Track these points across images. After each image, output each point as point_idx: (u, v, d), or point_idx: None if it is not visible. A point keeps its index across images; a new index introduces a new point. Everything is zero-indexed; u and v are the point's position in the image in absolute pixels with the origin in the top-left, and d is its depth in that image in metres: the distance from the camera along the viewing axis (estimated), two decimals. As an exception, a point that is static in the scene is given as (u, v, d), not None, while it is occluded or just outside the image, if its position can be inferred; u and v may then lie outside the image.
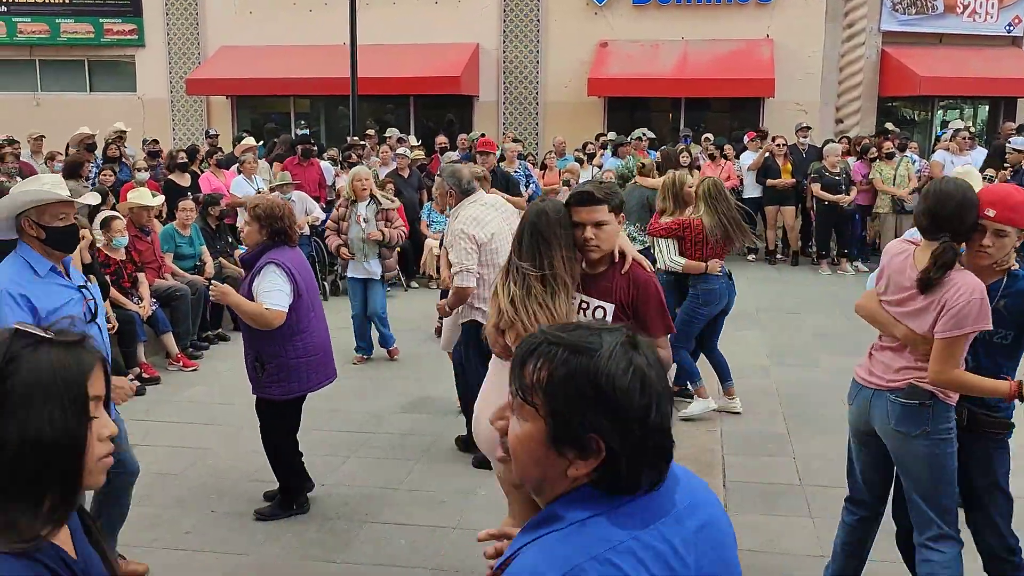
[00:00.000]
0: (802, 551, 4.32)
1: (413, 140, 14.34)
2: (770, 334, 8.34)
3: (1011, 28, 16.83)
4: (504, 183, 8.50)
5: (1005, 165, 10.81)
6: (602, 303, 3.35)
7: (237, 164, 10.90)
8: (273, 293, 4.33)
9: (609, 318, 3.27)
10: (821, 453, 5.55)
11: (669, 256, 6.06)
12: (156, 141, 13.29)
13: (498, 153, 13.44)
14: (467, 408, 5.34)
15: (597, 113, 16.94)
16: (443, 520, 4.64)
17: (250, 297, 4.39)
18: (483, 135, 14.25)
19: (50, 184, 3.53)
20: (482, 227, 5.18)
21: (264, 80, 16.74)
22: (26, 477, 1.41)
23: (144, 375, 7.03)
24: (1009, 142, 11.49)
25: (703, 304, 6.02)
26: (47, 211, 3.42)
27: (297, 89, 17.24)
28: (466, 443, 5.39)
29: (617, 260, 3.38)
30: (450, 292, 5.22)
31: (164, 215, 9.22)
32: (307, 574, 4.09)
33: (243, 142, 12.21)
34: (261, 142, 13.74)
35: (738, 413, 6.13)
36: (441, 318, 6.21)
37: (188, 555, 4.28)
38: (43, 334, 1.45)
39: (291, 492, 4.70)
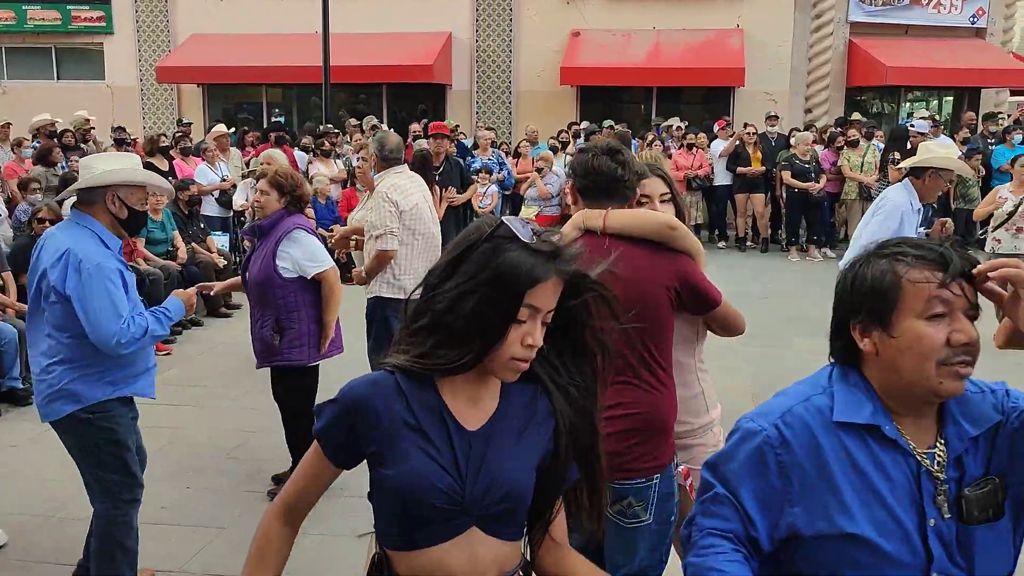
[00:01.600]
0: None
1: (386, 129, 14.34)
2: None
3: (975, 20, 17.13)
4: (460, 172, 8.41)
5: (908, 147, 10.97)
6: None
7: (202, 152, 10.88)
8: (320, 253, 4.50)
9: None
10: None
11: None
12: (123, 128, 13.19)
13: (470, 141, 13.59)
14: None
15: (570, 102, 17.03)
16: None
17: (270, 264, 4.41)
18: (458, 125, 14.37)
19: (135, 165, 3.56)
20: (405, 196, 5.25)
21: (235, 68, 16.64)
22: (459, 335, 1.61)
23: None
24: (912, 126, 11.81)
25: None
26: (138, 193, 3.45)
27: (269, 77, 17.15)
28: None
29: None
30: (368, 258, 5.27)
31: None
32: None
33: (214, 129, 12.16)
34: (232, 129, 13.68)
35: None
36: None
37: (165, 530, 4.31)
38: (521, 234, 1.60)
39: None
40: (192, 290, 3.82)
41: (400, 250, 5.23)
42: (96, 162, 3.47)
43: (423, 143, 12.63)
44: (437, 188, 7.09)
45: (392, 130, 10.00)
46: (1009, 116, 15.25)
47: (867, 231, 5.24)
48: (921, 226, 5.38)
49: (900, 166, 5.57)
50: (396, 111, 17.96)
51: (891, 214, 5.10)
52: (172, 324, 3.50)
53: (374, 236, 5.19)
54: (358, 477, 4.25)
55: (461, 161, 12.14)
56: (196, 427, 5.71)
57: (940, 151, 5.28)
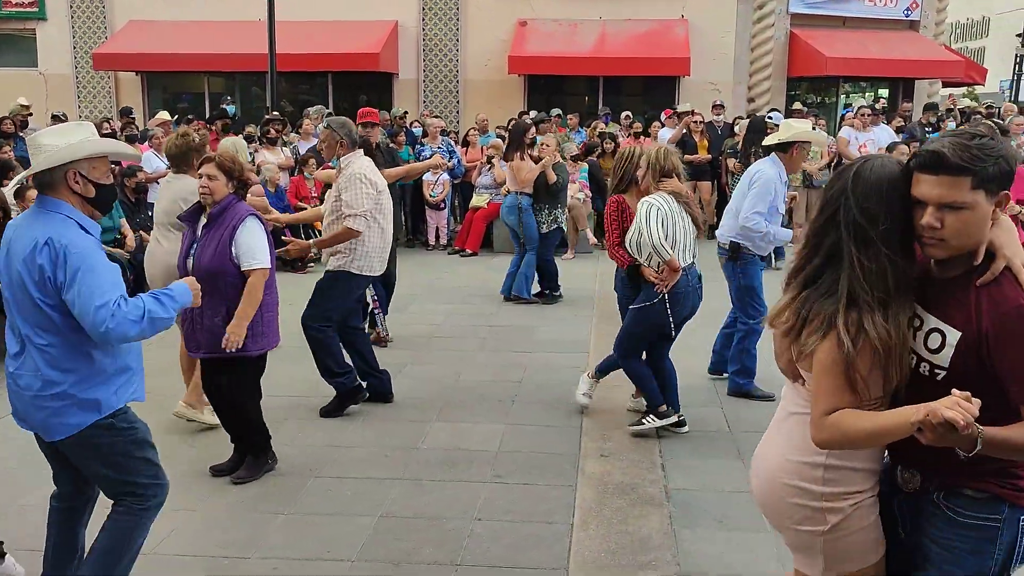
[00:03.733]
0: (734, 488, 4.53)
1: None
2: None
3: (909, 12, 17.64)
4: (390, 160, 8.05)
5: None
6: (941, 326, 2.13)
7: (148, 139, 10.66)
8: (262, 249, 4.36)
9: (949, 351, 2.11)
10: (745, 404, 5.83)
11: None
12: (64, 116, 12.83)
13: (419, 130, 13.53)
14: (330, 360, 5.51)
15: (517, 91, 17.07)
16: (387, 472, 4.70)
17: (225, 252, 4.30)
18: (405, 112, 14.28)
19: (92, 134, 3.12)
20: (378, 178, 5.46)
21: (176, 56, 16.29)
22: None
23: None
24: (770, 118, 12.20)
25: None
26: (100, 165, 3.07)
27: (211, 65, 16.82)
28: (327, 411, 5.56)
29: (979, 262, 2.12)
30: (325, 232, 5.32)
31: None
32: (254, 525, 4.10)
33: (157, 116, 11.92)
34: (175, 117, 13.41)
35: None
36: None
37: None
38: None
39: (262, 449, 4.69)
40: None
41: (373, 229, 5.38)
42: (46, 138, 3.01)
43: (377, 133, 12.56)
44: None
45: (383, 136, 9.96)
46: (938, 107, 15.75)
47: (746, 203, 5.70)
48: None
49: (766, 143, 6.13)
50: (342, 100, 17.77)
51: (766, 186, 5.67)
52: (173, 314, 3.12)
53: (346, 215, 5.22)
54: (327, 460, 4.25)
55: (394, 148, 12.09)
56: (155, 414, 5.60)
57: (800, 127, 5.96)
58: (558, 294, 8.97)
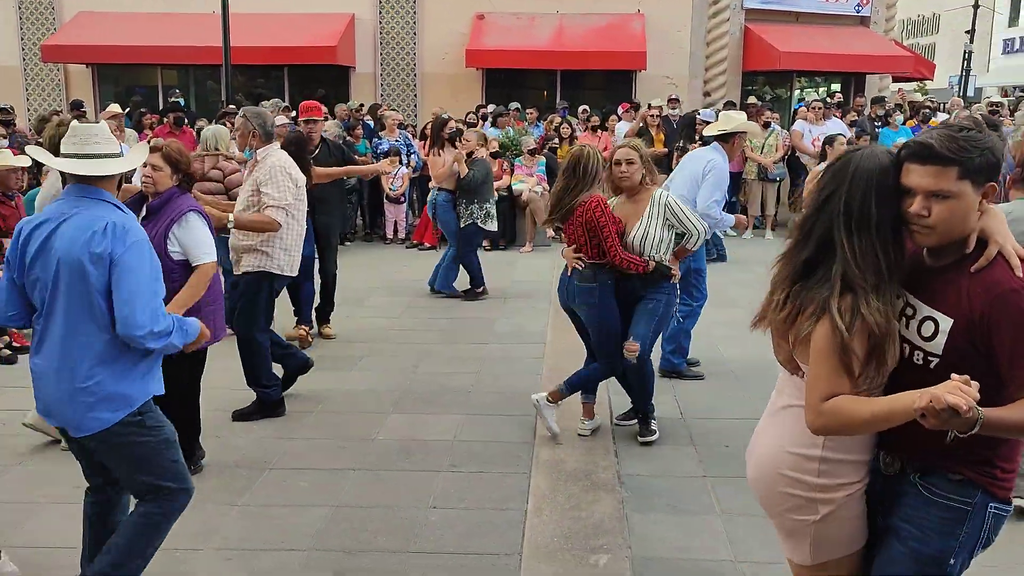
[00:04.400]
0: (686, 474, 4.61)
1: (292, 112, 14.07)
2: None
3: (859, 8, 17.93)
4: (340, 155, 7.77)
5: (696, 138, 11.39)
6: (935, 313, 2.18)
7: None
8: (209, 243, 4.26)
9: (941, 338, 2.16)
10: (702, 390, 5.93)
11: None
12: (11, 109, 12.54)
13: (373, 124, 13.47)
14: (260, 370, 5.33)
15: (475, 84, 17.05)
16: (343, 463, 4.71)
17: (161, 245, 4.16)
18: (362, 105, 14.21)
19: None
20: (297, 173, 5.36)
21: (128, 48, 15.97)
22: None
23: (14, 344, 6.74)
24: (699, 113, 12.46)
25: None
26: None
27: (164, 58, 16.53)
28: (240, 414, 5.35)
29: (971, 250, 2.19)
30: (240, 218, 5.17)
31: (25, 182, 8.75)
32: (207, 517, 4.08)
33: (107, 109, 11.71)
34: (126, 110, 13.19)
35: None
36: None
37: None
38: None
39: (190, 443, 4.64)
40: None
41: (292, 225, 5.30)
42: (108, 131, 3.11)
43: (330, 124, 12.49)
44: (314, 170, 6.82)
45: (339, 130, 9.73)
46: (888, 101, 16.04)
47: (703, 192, 5.95)
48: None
49: (707, 133, 6.49)
50: (298, 94, 17.59)
51: (720, 175, 6.01)
52: (180, 345, 3.13)
53: (268, 206, 5.13)
54: (282, 452, 4.25)
55: (351, 142, 12.03)
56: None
57: (738, 118, 6.36)
58: (480, 291, 8.77)
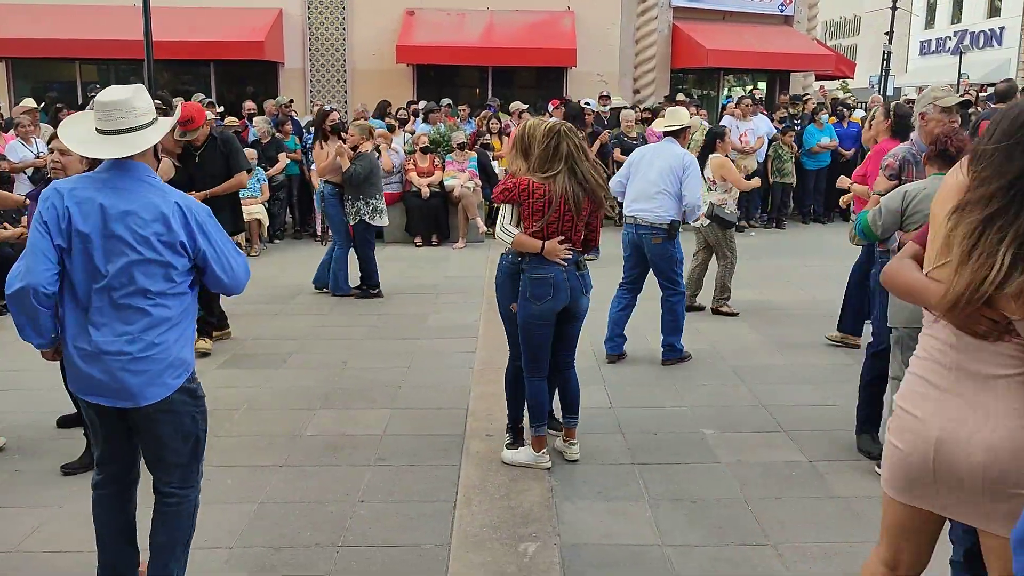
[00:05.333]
0: (614, 461, 4.65)
1: (217, 107, 13.79)
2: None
3: (783, 8, 18.37)
4: (227, 150, 6.83)
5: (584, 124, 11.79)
6: None
7: (14, 127, 10.11)
8: None
9: None
10: (631, 380, 5.99)
11: (501, 225, 4.36)
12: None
13: (305, 119, 13.28)
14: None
15: (406, 80, 16.96)
16: (269, 460, 4.63)
17: None
18: (291, 100, 13.99)
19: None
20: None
21: (44, 41, 15.46)
22: None
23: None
24: (588, 103, 12.86)
25: (530, 299, 4.35)
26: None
27: (83, 52, 16.04)
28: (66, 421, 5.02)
29: None
30: None
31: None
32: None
33: (22, 103, 11.33)
34: (42, 105, 12.77)
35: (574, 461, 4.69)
36: None
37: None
38: None
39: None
40: None
41: None
42: (139, 100, 2.95)
43: (260, 120, 12.28)
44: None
45: (268, 125, 9.39)
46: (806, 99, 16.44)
47: (691, 186, 6.21)
48: None
49: (659, 129, 6.73)
50: (226, 89, 17.27)
51: (697, 167, 6.36)
52: None
53: None
54: (207, 449, 4.13)
55: (280, 138, 11.83)
56: (20, 410, 5.35)
57: (685, 113, 6.69)
58: (375, 291, 8.58)
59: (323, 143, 8.77)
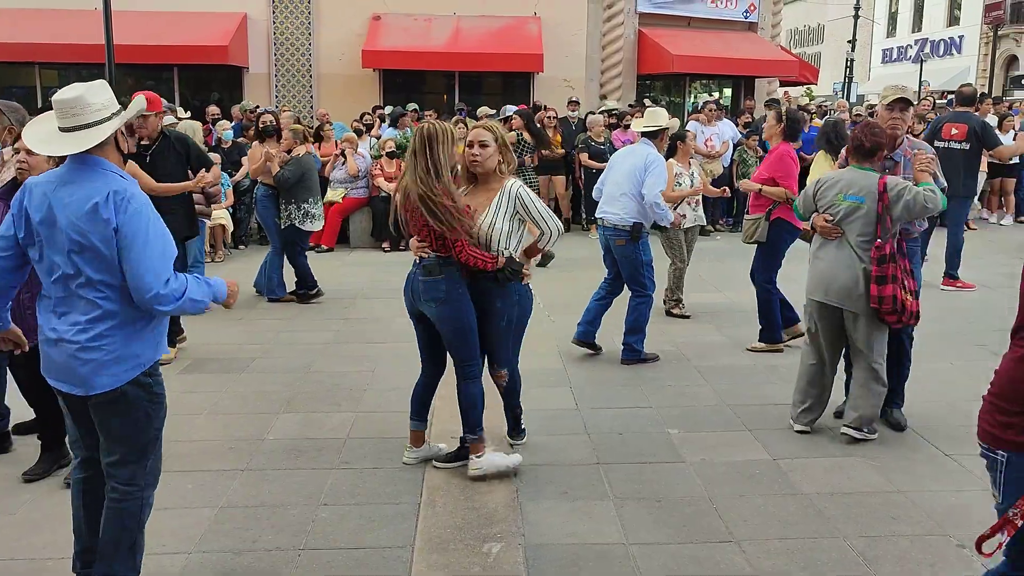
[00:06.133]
0: (578, 461, 4.64)
1: (182, 112, 13.62)
2: (547, 290, 8.76)
3: (748, 14, 18.55)
4: (184, 149, 6.51)
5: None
6: None
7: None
8: None
9: None
10: (597, 381, 5.99)
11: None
12: None
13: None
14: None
15: (373, 85, 16.91)
16: (231, 464, 4.56)
17: None
18: (257, 106, 13.87)
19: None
20: None
21: (3, 45, 15.19)
22: None
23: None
24: (505, 110, 13.04)
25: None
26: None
27: (42, 56, 15.80)
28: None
29: None
30: None
31: None
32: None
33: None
34: None
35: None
36: None
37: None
38: None
39: (54, 441, 4.42)
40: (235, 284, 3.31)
41: None
42: (95, 96, 2.95)
43: (224, 124, 12.16)
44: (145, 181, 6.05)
45: (231, 129, 9.27)
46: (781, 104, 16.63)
47: (649, 182, 6.24)
48: None
49: (636, 129, 6.82)
50: (190, 94, 17.09)
51: (662, 166, 6.35)
52: (207, 302, 3.09)
53: None
54: (168, 454, 4.07)
55: (242, 143, 11.71)
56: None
57: (664, 114, 6.68)
58: (314, 292, 8.47)
59: (260, 144, 8.77)
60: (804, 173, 6.94)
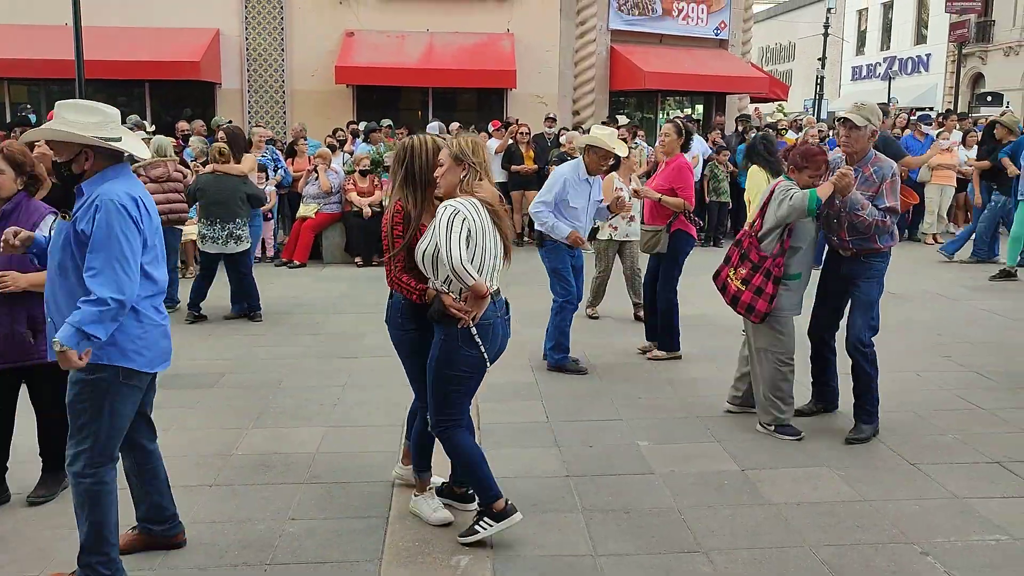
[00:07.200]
0: (550, 474, 4.64)
1: (148, 126, 13.57)
2: (520, 303, 8.76)
3: (718, 32, 18.78)
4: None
5: None
6: None
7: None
8: None
9: None
10: (568, 394, 6.00)
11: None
12: None
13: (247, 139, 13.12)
14: None
15: (346, 102, 16.92)
16: (198, 480, 4.52)
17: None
18: (230, 121, 13.83)
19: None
20: None
21: (-30, 61, 15.08)
22: None
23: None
24: (432, 126, 13.16)
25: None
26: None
27: (11, 71, 15.68)
28: None
29: None
30: None
31: None
32: (46, 542, 3.84)
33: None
34: (-31, 126, 12.43)
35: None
36: None
37: None
38: None
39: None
40: None
41: None
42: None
43: (193, 141, 12.11)
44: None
45: (205, 145, 9.16)
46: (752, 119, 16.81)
47: (534, 197, 6.66)
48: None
49: (576, 145, 7.09)
50: (161, 110, 17.01)
51: (553, 179, 6.47)
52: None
53: None
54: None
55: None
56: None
57: (599, 132, 6.57)
58: (256, 312, 8.33)
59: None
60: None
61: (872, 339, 5.14)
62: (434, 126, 13.32)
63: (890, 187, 4.99)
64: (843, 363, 5.36)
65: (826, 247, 5.39)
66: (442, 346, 3.72)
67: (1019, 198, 10.12)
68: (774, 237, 5.04)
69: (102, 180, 3.27)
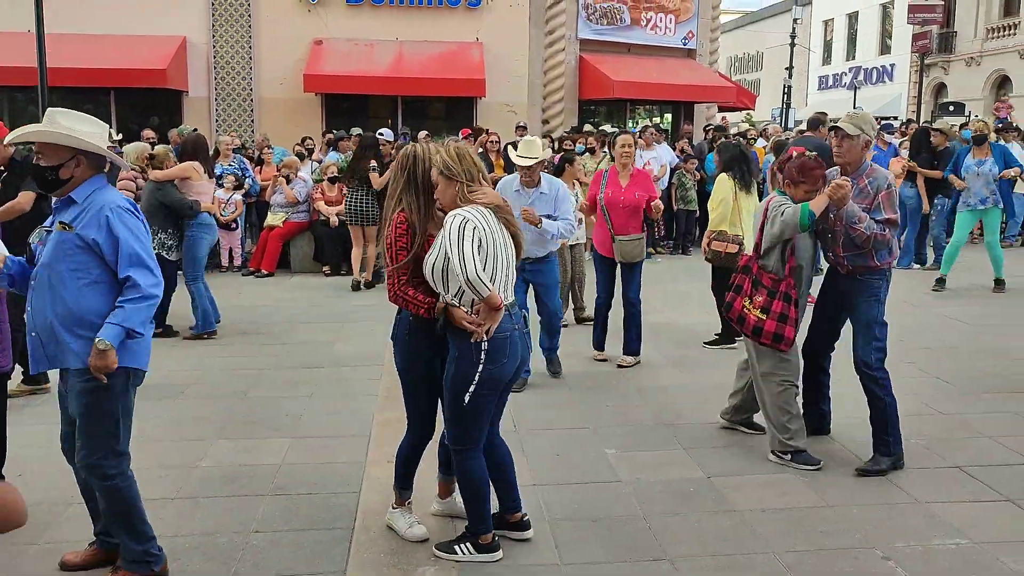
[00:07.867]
0: (520, 483, 4.63)
1: (115, 134, 13.40)
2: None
3: (686, 42, 18.95)
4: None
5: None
6: None
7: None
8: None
9: None
10: (537, 403, 6.01)
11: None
12: None
13: (211, 149, 13.00)
14: None
15: (315, 110, 16.85)
16: (161, 493, 4.46)
17: None
18: (195, 130, 13.69)
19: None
20: None
21: (-70, 67, 14.82)
22: None
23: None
24: (382, 134, 13.09)
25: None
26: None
27: (-29, 78, 15.42)
28: None
29: None
30: None
31: None
32: (8, 558, 3.76)
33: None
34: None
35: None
36: None
37: None
38: None
39: None
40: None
41: None
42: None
43: (163, 148, 11.95)
44: None
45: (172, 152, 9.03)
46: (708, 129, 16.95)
47: None
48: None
49: (517, 162, 6.37)
50: (127, 117, 16.81)
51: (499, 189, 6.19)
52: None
53: None
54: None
55: (26, 165, 11.38)
56: None
57: (538, 147, 6.31)
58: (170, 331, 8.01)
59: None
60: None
61: (882, 363, 4.84)
62: (386, 133, 13.36)
63: (887, 198, 4.73)
64: (835, 385, 5.40)
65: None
66: (457, 363, 3.59)
67: (960, 209, 10.32)
68: (776, 256, 4.86)
69: (91, 188, 3.40)
